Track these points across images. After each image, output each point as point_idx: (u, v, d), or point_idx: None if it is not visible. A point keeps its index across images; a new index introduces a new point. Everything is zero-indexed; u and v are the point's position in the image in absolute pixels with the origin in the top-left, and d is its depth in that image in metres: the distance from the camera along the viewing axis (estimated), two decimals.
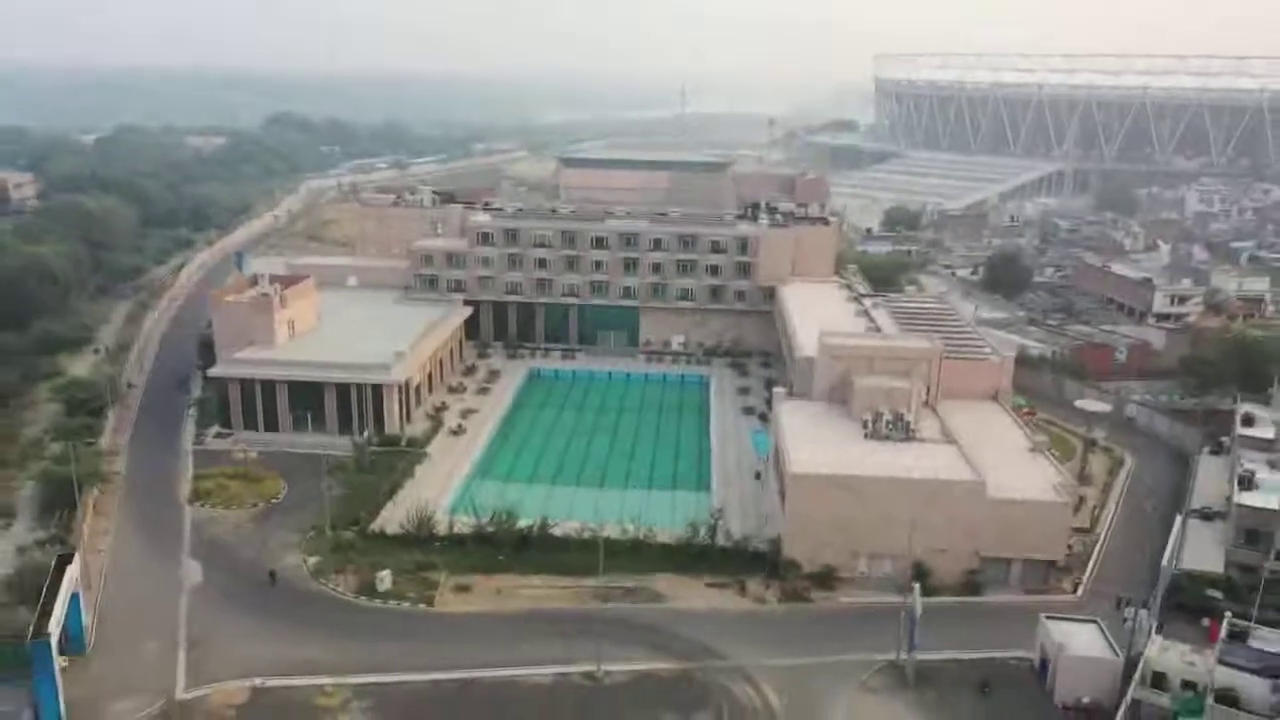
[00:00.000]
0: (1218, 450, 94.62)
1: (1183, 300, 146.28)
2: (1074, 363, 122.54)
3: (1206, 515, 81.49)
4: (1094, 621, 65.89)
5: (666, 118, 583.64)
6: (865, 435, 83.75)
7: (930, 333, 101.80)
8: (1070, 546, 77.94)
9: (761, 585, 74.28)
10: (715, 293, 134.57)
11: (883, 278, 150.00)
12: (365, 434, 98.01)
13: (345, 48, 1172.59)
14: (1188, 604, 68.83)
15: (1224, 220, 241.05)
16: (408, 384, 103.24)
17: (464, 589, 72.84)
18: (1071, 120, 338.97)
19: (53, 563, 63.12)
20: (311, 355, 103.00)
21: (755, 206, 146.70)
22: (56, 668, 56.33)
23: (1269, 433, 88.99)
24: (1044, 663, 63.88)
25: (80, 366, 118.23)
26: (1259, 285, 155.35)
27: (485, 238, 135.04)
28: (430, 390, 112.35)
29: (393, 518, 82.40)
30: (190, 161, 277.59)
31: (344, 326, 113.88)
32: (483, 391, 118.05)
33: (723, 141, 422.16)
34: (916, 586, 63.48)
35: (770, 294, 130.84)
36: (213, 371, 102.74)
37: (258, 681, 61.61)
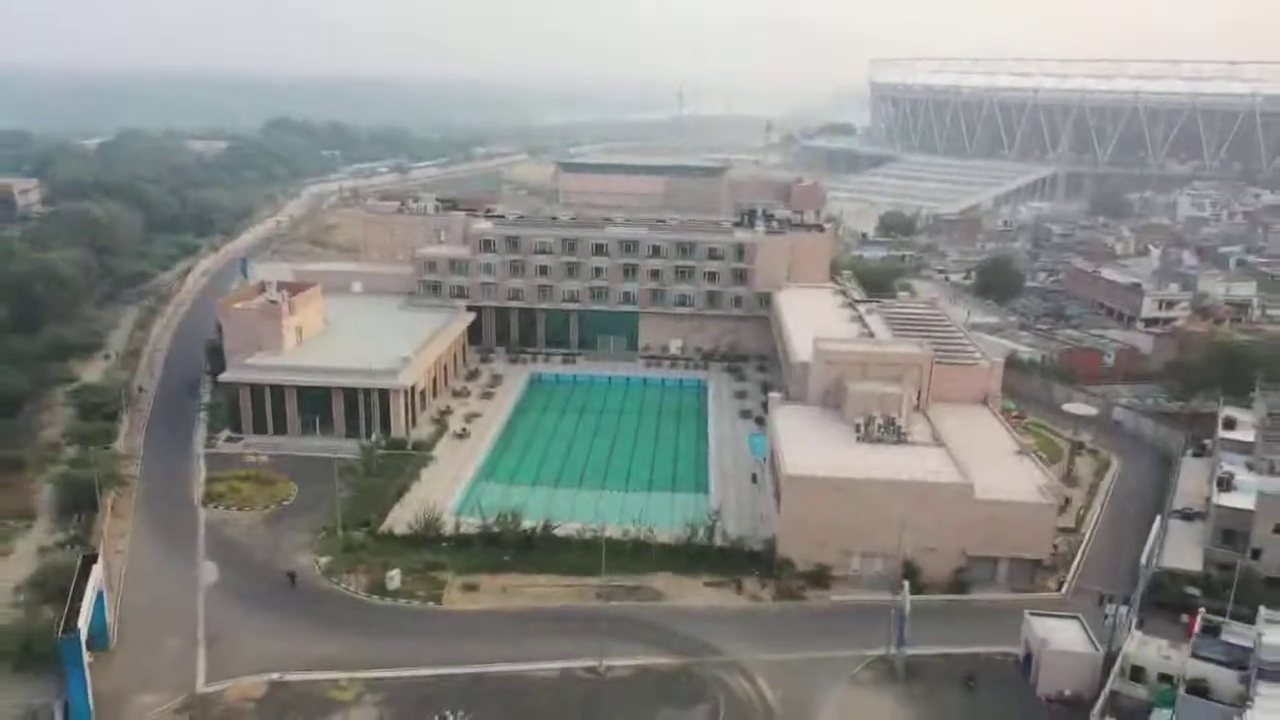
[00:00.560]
0: (1200, 453, 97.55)
1: (1170, 305, 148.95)
2: (1063, 367, 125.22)
3: (1187, 515, 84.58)
4: (1076, 618, 68.64)
5: (664, 120, 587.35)
6: (858, 438, 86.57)
7: (922, 338, 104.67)
8: (1056, 546, 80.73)
9: (758, 584, 76.98)
10: (713, 298, 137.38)
11: (877, 283, 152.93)
12: (373, 437, 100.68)
13: (344, 50, 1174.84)
14: (1168, 601, 71.92)
15: (1215, 224, 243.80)
16: (413, 388, 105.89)
17: (471, 588, 75.51)
18: (1066, 124, 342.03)
19: (78, 562, 65.70)
20: (319, 361, 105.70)
21: (752, 213, 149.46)
22: (85, 662, 58.92)
23: (1249, 435, 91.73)
24: (1028, 657, 66.62)
25: (92, 372, 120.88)
26: (1246, 290, 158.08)
27: (488, 245, 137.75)
28: (435, 394, 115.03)
29: (401, 519, 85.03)
30: (192, 166, 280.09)
31: (350, 332, 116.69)
32: (486, 396, 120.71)
33: (720, 145, 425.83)
34: (906, 584, 66.25)
35: (767, 300, 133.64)
36: (223, 377, 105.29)
37: (275, 676, 64.18)
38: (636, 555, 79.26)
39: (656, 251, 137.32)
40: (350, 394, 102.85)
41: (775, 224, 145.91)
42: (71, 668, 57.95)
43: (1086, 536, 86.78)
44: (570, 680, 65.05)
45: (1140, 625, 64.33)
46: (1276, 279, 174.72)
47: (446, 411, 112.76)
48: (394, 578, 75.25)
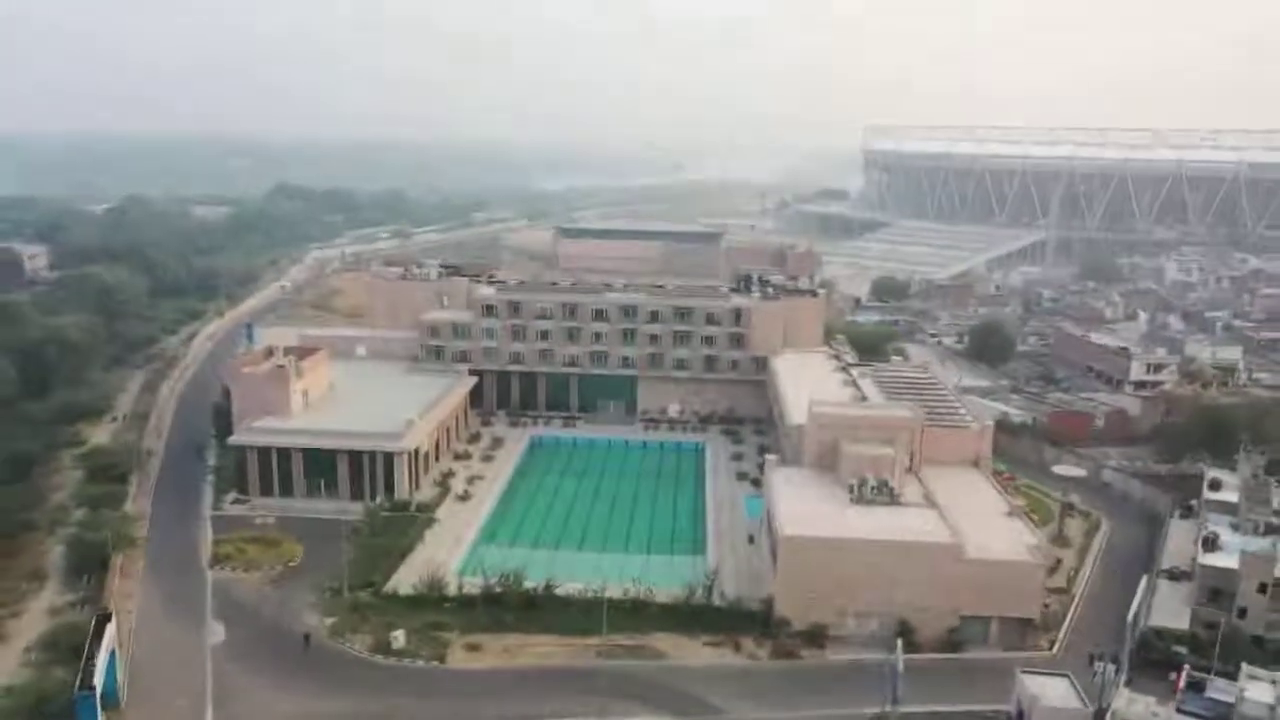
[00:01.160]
0: (1187, 513, 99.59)
1: (1158, 369, 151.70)
2: (1053, 429, 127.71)
3: (1174, 575, 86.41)
4: (1066, 676, 70.09)
5: (662, 184, 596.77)
6: (852, 500, 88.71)
7: (914, 401, 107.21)
8: (1047, 605, 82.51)
9: (755, 643, 78.45)
10: (710, 362, 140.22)
11: (870, 346, 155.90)
12: (377, 499, 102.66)
13: (341, 113, 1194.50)
14: (1156, 659, 73.57)
15: (1201, 289, 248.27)
16: (417, 451, 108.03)
17: (475, 647, 76.92)
18: (1055, 190, 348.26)
19: (93, 621, 67.36)
20: (325, 424, 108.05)
21: (748, 278, 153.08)
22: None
23: (1233, 496, 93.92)
24: (1020, 714, 67.94)
25: (101, 434, 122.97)
26: (1232, 354, 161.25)
27: (490, 310, 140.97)
28: (438, 457, 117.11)
29: (405, 579, 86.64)
30: (197, 231, 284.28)
31: (355, 396, 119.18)
32: (487, 458, 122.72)
33: (717, 209, 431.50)
34: (900, 642, 67.92)
35: (763, 364, 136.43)
36: (232, 440, 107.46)
37: None
38: (636, 615, 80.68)
39: (655, 316, 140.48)
40: (355, 456, 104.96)
41: (771, 289, 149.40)
42: None
43: (1077, 596, 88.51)
44: None
45: (1129, 683, 65.81)
46: (1262, 343, 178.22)
47: (449, 474, 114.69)
48: (399, 637, 76.68)
